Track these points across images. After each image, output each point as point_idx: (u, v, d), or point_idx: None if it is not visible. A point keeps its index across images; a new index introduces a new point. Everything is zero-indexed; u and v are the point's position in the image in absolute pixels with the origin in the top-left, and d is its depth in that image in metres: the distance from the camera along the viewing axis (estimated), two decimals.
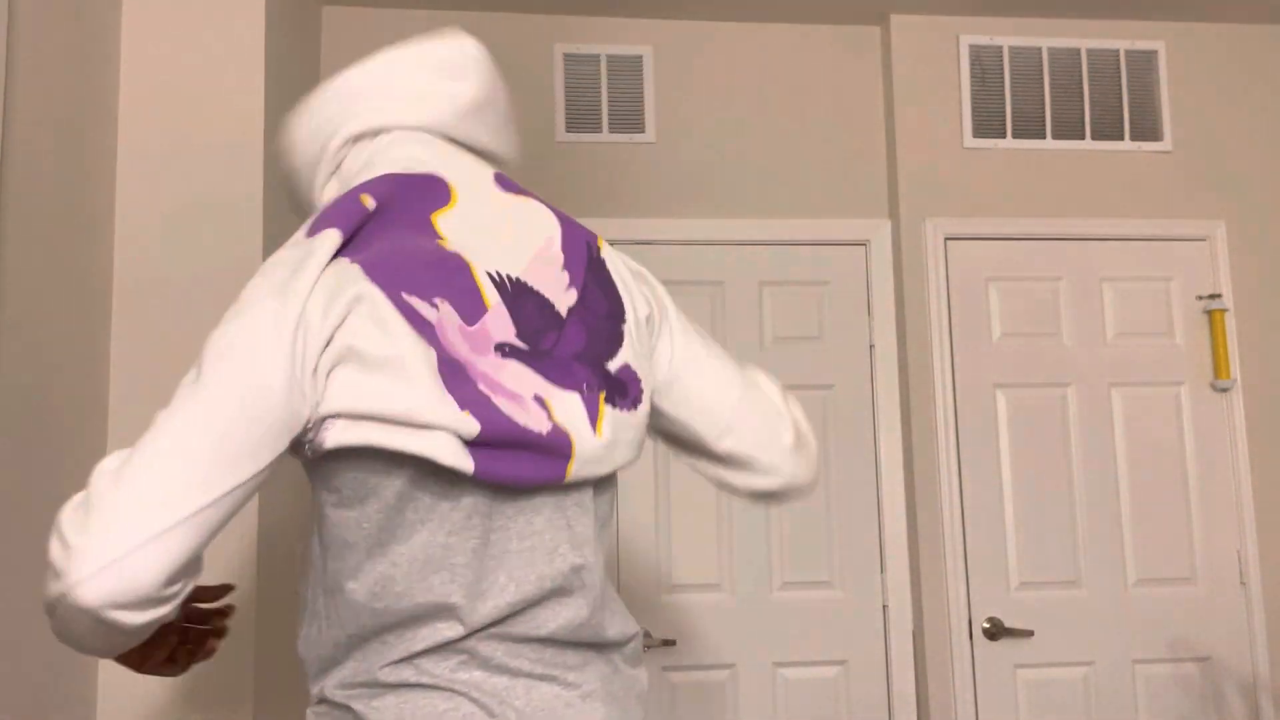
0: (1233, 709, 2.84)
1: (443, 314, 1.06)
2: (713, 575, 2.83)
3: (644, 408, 1.19)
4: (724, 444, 1.28)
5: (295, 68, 2.46)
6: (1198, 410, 2.95)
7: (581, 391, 1.12)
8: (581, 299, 1.17)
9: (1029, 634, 2.78)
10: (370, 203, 1.12)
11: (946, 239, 2.94)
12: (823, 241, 2.98)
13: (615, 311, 1.20)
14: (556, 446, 1.08)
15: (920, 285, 2.92)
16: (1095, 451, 2.90)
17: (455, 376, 1.04)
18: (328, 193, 1.24)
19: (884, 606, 2.84)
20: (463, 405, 1.03)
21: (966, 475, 2.86)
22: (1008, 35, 3.03)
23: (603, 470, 1.14)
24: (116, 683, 1.92)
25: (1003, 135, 2.99)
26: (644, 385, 1.20)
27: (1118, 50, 3.06)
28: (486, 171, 1.23)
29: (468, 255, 1.12)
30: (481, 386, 1.05)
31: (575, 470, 1.11)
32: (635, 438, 1.19)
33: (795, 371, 2.92)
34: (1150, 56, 3.07)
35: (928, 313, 2.90)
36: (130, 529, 0.92)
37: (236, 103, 2.08)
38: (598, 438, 1.12)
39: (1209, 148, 3.06)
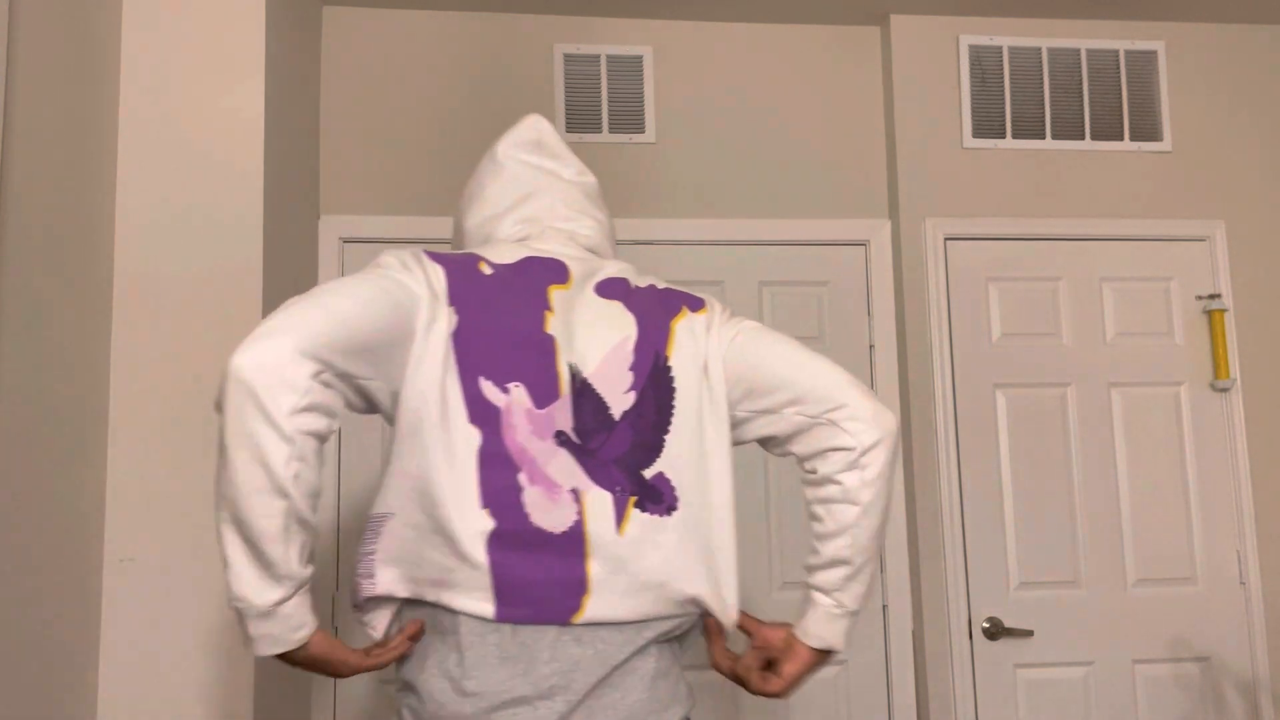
0: (1233, 709, 2.84)
1: (513, 398, 1.26)
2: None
3: (681, 514, 1.31)
4: (807, 383, 1.35)
5: (295, 68, 2.46)
6: (1197, 410, 2.95)
7: (614, 493, 1.28)
8: (637, 405, 1.32)
9: (1029, 634, 2.78)
10: (487, 269, 1.33)
11: (946, 239, 2.95)
12: (823, 241, 2.98)
13: (662, 422, 1.33)
14: (571, 546, 1.24)
15: (920, 285, 2.92)
16: (1095, 451, 2.90)
17: (494, 464, 1.23)
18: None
19: (883, 606, 2.85)
20: (485, 502, 1.21)
21: (966, 475, 2.86)
22: (1008, 35, 3.03)
23: (624, 609, 1.26)
24: (117, 683, 1.92)
25: (1002, 135, 2.99)
26: (679, 493, 1.32)
27: (1117, 50, 3.06)
28: (597, 275, 1.39)
29: (558, 339, 1.30)
30: (521, 476, 1.24)
31: (591, 607, 1.24)
32: (675, 542, 1.29)
33: None
34: (1150, 57, 3.07)
35: (927, 313, 2.90)
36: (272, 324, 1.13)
37: (236, 103, 2.08)
38: (620, 535, 1.26)
39: (1209, 148, 3.06)
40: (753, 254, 2.96)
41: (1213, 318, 2.96)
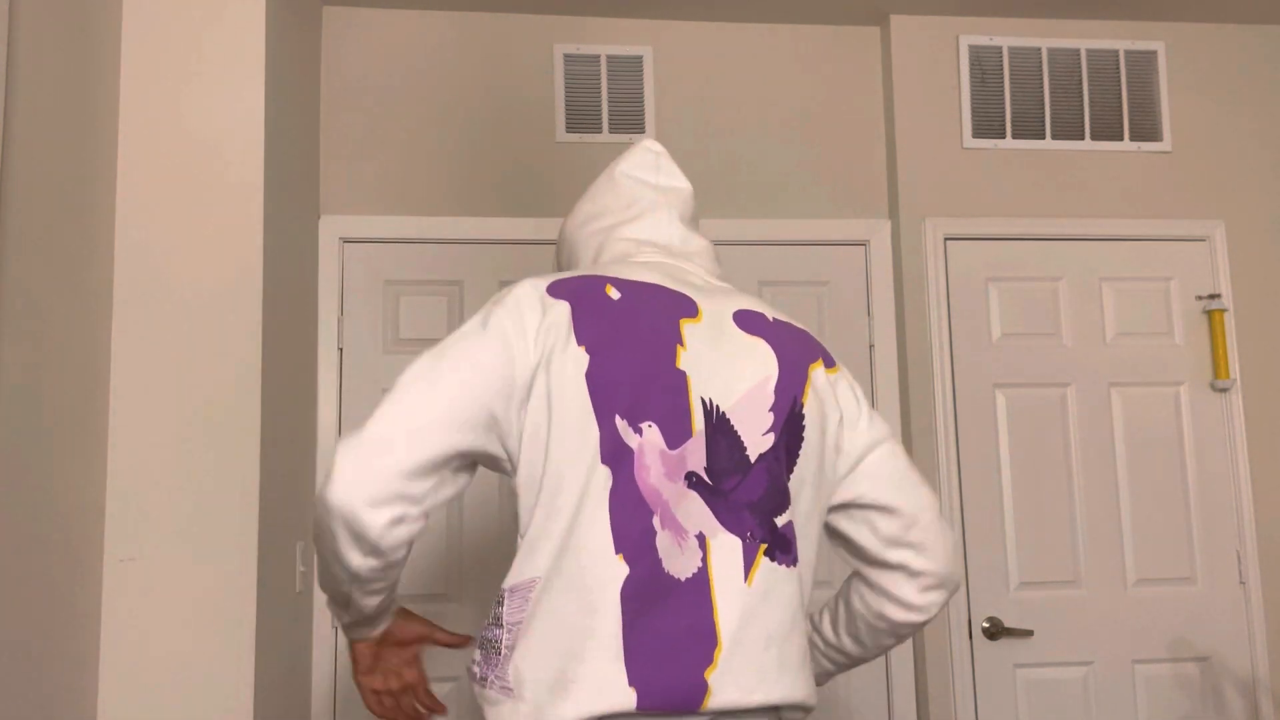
0: (1232, 709, 2.84)
1: (646, 439, 1.20)
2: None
3: (802, 569, 1.28)
4: (905, 510, 1.36)
5: (295, 68, 2.46)
6: (1197, 410, 2.95)
7: (745, 539, 1.22)
8: (774, 448, 1.27)
9: (1029, 634, 2.78)
10: (614, 293, 1.27)
11: (946, 239, 2.95)
12: (823, 241, 2.98)
13: (791, 469, 1.28)
14: (696, 593, 1.18)
15: (920, 285, 2.92)
16: (1095, 451, 2.90)
17: (627, 507, 1.18)
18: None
19: None
20: (619, 547, 1.17)
21: (966, 475, 2.86)
22: (1007, 35, 3.03)
23: (757, 695, 1.18)
24: (117, 683, 1.92)
25: (1002, 135, 2.99)
26: (801, 546, 1.28)
27: (1117, 50, 3.06)
28: (729, 306, 1.34)
29: (692, 375, 1.24)
30: (655, 519, 1.18)
31: (716, 694, 1.16)
32: (793, 594, 1.25)
33: None
34: (1150, 57, 3.07)
35: (927, 313, 2.90)
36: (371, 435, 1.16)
37: (236, 103, 2.08)
38: (747, 585, 1.20)
39: (1209, 148, 3.06)
40: (753, 254, 2.96)
41: (1212, 318, 2.96)
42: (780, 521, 1.25)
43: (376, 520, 1.13)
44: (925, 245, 2.92)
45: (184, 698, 1.93)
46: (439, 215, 2.84)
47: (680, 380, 1.23)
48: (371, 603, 1.25)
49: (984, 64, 3.02)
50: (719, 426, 1.24)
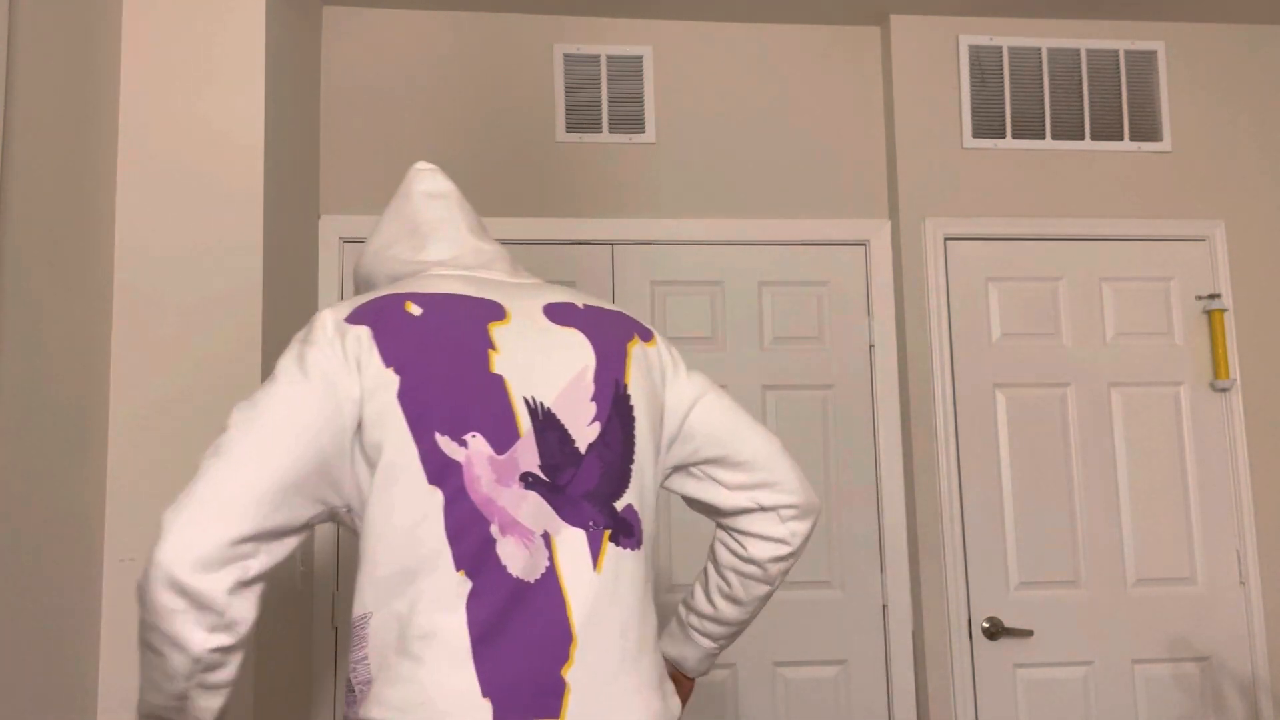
0: (1232, 709, 2.84)
1: (472, 450, 1.18)
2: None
3: (646, 549, 1.29)
4: (742, 455, 1.38)
5: (295, 68, 2.46)
6: (1197, 410, 2.95)
7: (588, 529, 1.23)
8: (602, 435, 1.27)
9: (1029, 634, 2.78)
10: (415, 309, 1.24)
11: (946, 239, 2.95)
12: (823, 241, 2.98)
13: (628, 452, 1.28)
14: (547, 592, 1.18)
15: (920, 285, 2.92)
16: (1095, 451, 2.90)
17: (462, 522, 1.16)
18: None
19: (884, 606, 2.85)
20: (458, 564, 1.15)
21: (966, 475, 2.86)
22: (1007, 35, 3.03)
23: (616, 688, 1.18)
24: (117, 683, 1.92)
25: (1002, 135, 2.99)
26: (645, 526, 1.29)
27: (1117, 50, 3.06)
28: (538, 301, 1.33)
29: (509, 377, 1.23)
30: (493, 528, 1.17)
31: (575, 700, 1.16)
32: (640, 575, 1.26)
33: (795, 371, 2.92)
34: (1150, 57, 3.07)
35: (927, 313, 2.90)
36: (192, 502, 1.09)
37: (237, 103, 2.08)
38: (597, 573, 1.21)
39: (1209, 148, 3.06)
40: (753, 254, 2.96)
41: (1212, 318, 2.96)
42: (620, 505, 1.26)
43: (217, 586, 1.06)
44: (925, 245, 2.92)
45: None
46: None
47: (497, 384, 1.22)
48: (213, 705, 1.14)
49: (984, 64, 3.02)
50: (546, 422, 1.23)
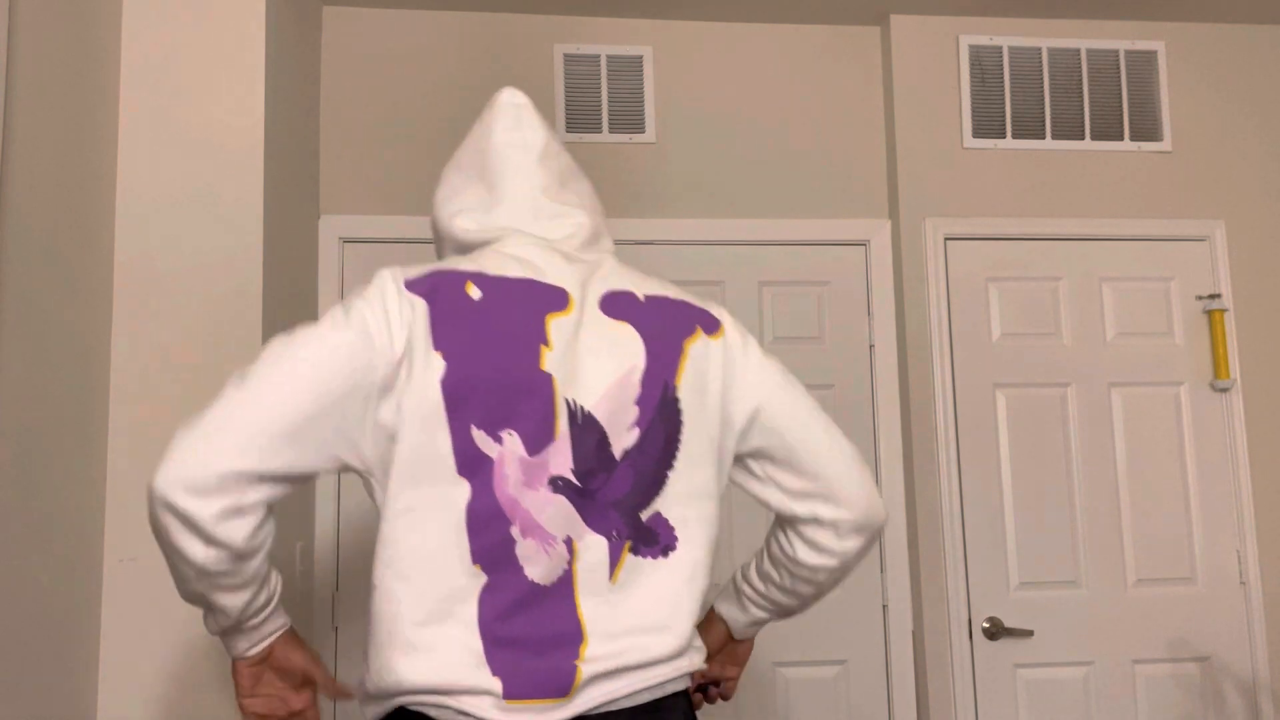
0: (1233, 709, 2.84)
1: (506, 448, 1.16)
2: (712, 575, 2.82)
3: (679, 554, 1.25)
4: (807, 462, 1.33)
5: (295, 68, 2.46)
6: (1197, 410, 2.95)
7: (610, 538, 1.20)
8: (640, 443, 1.23)
9: (1029, 634, 2.78)
10: (475, 293, 1.20)
11: (946, 239, 2.95)
12: (823, 241, 2.98)
13: (666, 458, 1.24)
14: (562, 597, 1.17)
15: (920, 285, 2.92)
16: (1095, 451, 2.90)
17: (484, 519, 1.15)
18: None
19: (884, 606, 2.85)
20: (475, 558, 1.15)
21: (966, 475, 2.86)
22: (1007, 35, 3.03)
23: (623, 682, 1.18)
24: (117, 683, 1.92)
25: (1002, 135, 2.99)
26: (684, 531, 1.26)
27: (1117, 50, 3.06)
28: (598, 289, 1.28)
29: (557, 376, 1.19)
30: (514, 529, 1.16)
31: (585, 682, 1.16)
32: (665, 583, 1.23)
33: (795, 371, 2.92)
34: (1150, 57, 3.07)
35: (927, 313, 2.90)
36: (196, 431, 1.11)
37: (236, 103, 2.08)
38: (613, 583, 1.20)
39: (1209, 148, 3.06)
40: (753, 254, 2.96)
41: (1213, 318, 2.96)
42: (646, 515, 1.23)
43: (204, 510, 1.08)
44: (925, 245, 2.92)
45: (184, 698, 1.93)
46: None
47: (545, 383, 1.19)
48: (234, 601, 1.17)
49: (984, 64, 3.02)
50: (585, 426, 1.20)
